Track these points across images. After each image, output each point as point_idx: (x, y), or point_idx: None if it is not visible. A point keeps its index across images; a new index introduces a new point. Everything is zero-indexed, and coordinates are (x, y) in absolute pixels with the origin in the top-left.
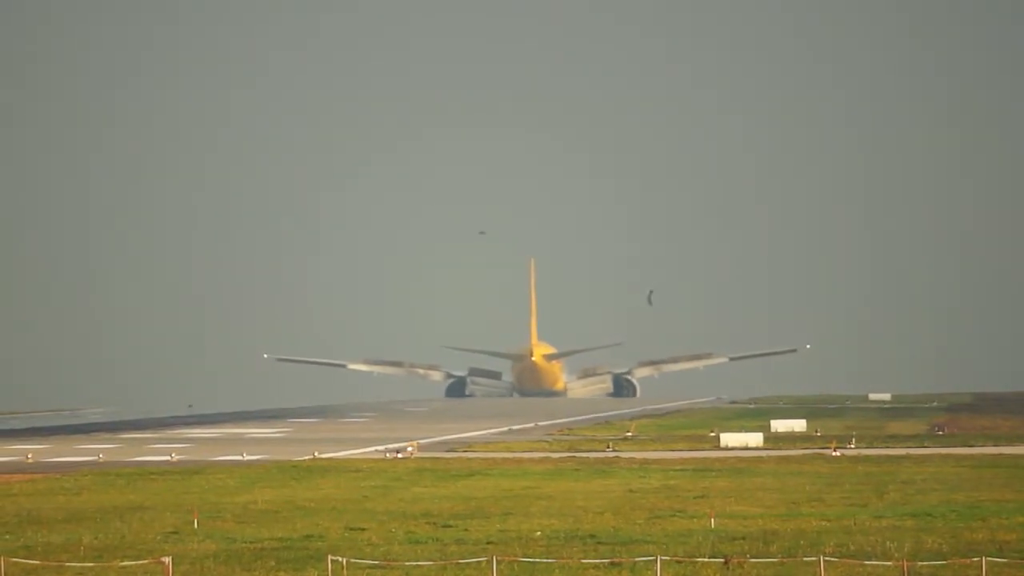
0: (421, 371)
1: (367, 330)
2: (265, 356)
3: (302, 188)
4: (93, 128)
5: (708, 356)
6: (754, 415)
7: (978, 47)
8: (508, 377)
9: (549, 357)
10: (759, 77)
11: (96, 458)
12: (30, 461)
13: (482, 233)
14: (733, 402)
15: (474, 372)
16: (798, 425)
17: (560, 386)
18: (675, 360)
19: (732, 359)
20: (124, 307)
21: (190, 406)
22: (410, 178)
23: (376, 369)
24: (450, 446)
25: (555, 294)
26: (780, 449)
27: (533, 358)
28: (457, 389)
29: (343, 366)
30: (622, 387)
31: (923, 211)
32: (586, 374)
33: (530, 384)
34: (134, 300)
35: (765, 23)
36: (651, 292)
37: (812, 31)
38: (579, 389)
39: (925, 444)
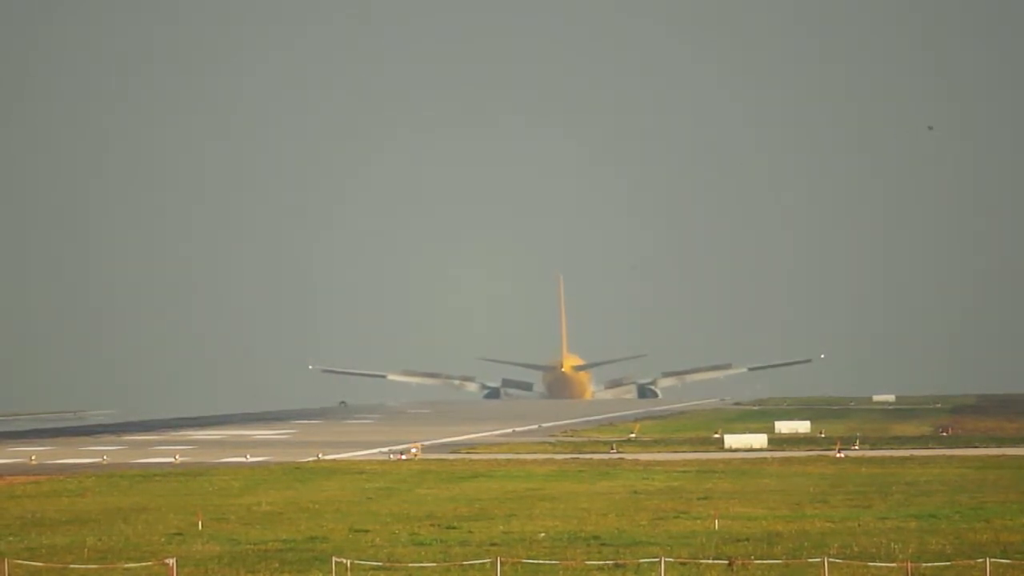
0: (457, 382)
1: (407, 343)
2: (310, 367)
3: (343, 203)
4: (98, 130)
5: (728, 367)
6: (758, 416)
7: (985, 50)
8: (539, 387)
9: (578, 368)
10: (776, 95)
11: (100, 460)
12: (34, 463)
13: (930, 128)
14: (737, 403)
15: (507, 383)
16: (802, 426)
17: (588, 396)
18: (696, 371)
19: (751, 369)
20: (128, 309)
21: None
22: (441, 198)
23: (414, 380)
24: (454, 448)
25: (584, 308)
26: (784, 450)
27: (563, 369)
28: (492, 399)
29: (383, 376)
30: (646, 396)
31: (927, 213)
32: (613, 384)
33: (560, 394)
34: (138, 302)
35: (796, 36)
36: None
37: (836, 45)
38: (607, 398)
39: (929, 445)
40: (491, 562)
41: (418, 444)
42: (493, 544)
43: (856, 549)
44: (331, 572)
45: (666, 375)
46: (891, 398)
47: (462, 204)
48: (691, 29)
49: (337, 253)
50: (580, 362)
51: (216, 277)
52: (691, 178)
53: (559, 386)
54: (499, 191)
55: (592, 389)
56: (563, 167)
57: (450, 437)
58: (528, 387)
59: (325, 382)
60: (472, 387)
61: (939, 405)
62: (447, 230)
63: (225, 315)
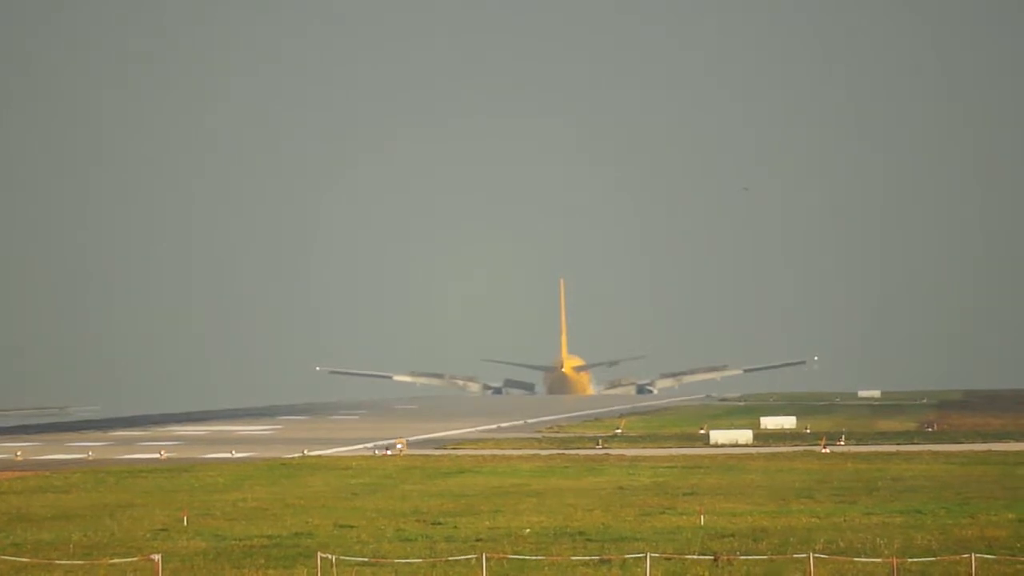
0: (460, 382)
1: (411, 344)
2: (318, 368)
3: (346, 205)
4: (95, 124)
5: (724, 368)
6: (744, 412)
7: (985, 49)
8: (540, 387)
9: (578, 369)
10: (775, 97)
11: (86, 456)
12: (19, 459)
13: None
14: (723, 399)
15: (509, 383)
16: (788, 422)
17: (589, 395)
18: (693, 372)
19: (746, 371)
20: (127, 308)
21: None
22: (443, 200)
23: (419, 380)
24: (439, 444)
25: (585, 309)
26: (770, 446)
27: (563, 369)
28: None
29: (389, 377)
30: (644, 395)
31: (915, 212)
32: (612, 385)
33: (560, 393)
34: (137, 301)
35: (795, 38)
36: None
37: (835, 46)
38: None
39: (915, 441)
40: (477, 558)
41: (403, 440)
42: (479, 540)
43: (842, 544)
44: (316, 568)
45: (664, 376)
46: (876, 394)
47: (464, 206)
48: (692, 30)
49: (343, 256)
50: (580, 363)
51: (219, 279)
52: (691, 180)
53: (559, 386)
54: (501, 192)
55: (592, 389)
56: (564, 168)
57: (436, 433)
58: (530, 387)
59: (328, 382)
60: (475, 387)
61: (925, 401)
62: (450, 232)
63: (228, 316)
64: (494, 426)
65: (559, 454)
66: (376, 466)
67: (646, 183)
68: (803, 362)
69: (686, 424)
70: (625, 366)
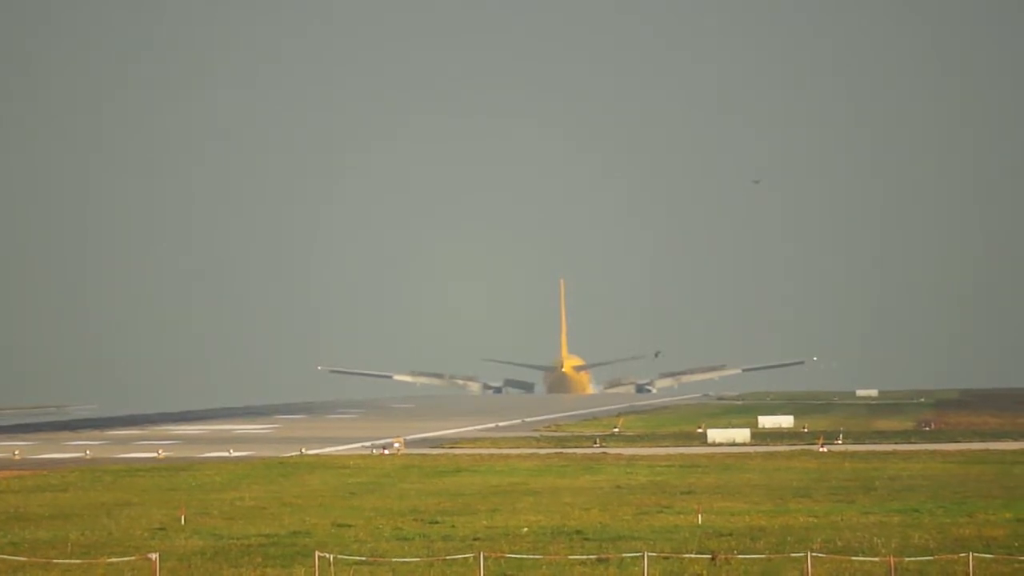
0: (460, 382)
1: (412, 344)
2: (319, 368)
3: (347, 206)
4: (96, 122)
5: (723, 367)
6: (741, 411)
7: (985, 49)
8: (540, 387)
9: (578, 368)
10: (774, 98)
11: (83, 455)
12: (17, 458)
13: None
14: (720, 398)
15: (509, 383)
16: (785, 421)
17: (588, 395)
18: (692, 371)
19: (745, 370)
20: (119, 307)
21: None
22: (444, 200)
23: (419, 380)
24: (437, 443)
25: (585, 309)
26: (767, 445)
27: (563, 369)
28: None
29: (389, 377)
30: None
31: (914, 212)
32: (612, 384)
33: (560, 393)
34: (137, 300)
35: (792, 37)
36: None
37: (832, 45)
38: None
39: (912, 440)
40: (474, 557)
41: (401, 439)
42: (476, 539)
43: (839, 544)
44: (314, 567)
45: (663, 376)
46: (874, 393)
47: (464, 206)
48: (692, 30)
49: (343, 256)
50: (580, 362)
51: (219, 279)
52: (691, 180)
53: (559, 386)
54: (501, 192)
55: (592, 389)
56: (564, 168)
57: (433, 432)
58: (530, 387)
59: (327, 382)
60: (475, 387)
61: (922, 400)
62: (450, 232)
63: (227, 316)
64: (492, 425)
65: (557, 453)
66: (374, 465)
67: (646, 183)
68: (802, 362)
69: (684, 423)
70: (624, 366)
